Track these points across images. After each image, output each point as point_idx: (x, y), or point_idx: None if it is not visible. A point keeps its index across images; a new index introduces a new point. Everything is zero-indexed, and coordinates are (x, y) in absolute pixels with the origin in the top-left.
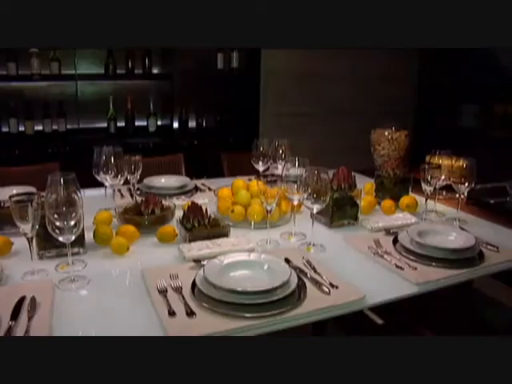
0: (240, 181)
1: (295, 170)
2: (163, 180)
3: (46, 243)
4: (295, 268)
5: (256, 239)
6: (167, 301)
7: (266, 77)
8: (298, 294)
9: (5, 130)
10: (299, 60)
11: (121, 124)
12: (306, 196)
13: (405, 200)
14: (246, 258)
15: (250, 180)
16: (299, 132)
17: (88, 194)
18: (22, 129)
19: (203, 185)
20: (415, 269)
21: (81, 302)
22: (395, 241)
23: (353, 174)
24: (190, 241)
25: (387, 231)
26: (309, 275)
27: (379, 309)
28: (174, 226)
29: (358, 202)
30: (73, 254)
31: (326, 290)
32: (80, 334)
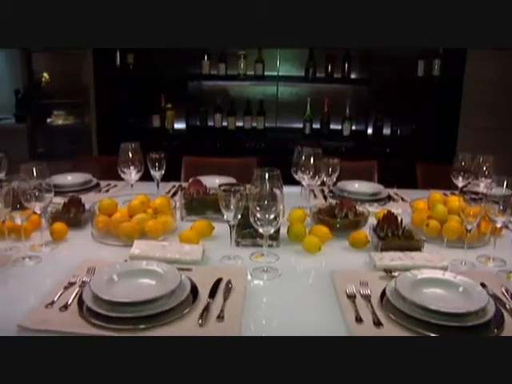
0: (437, 194)
1: (500, 190)
2: (357, 185)
3: (245, 232)
4: (491, 295)
5: (450, 258)
6: (355, 306)
7: (470, 86)
8: (493, 325)
9: (210, 124)
10: (509, 69)
11: (316, 126)
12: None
13: None
14: (440, 277)
15: (445, 195)
16: (502, 148)
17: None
18: (225, 124)
19: (396, 194)
20: None
21: (270, 292)
22: None
23: None
24: (382, 250)
25: None
26: (507, 306)
27: None
28: (365, 232)
29: None
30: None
31: None
32: (263, 323)
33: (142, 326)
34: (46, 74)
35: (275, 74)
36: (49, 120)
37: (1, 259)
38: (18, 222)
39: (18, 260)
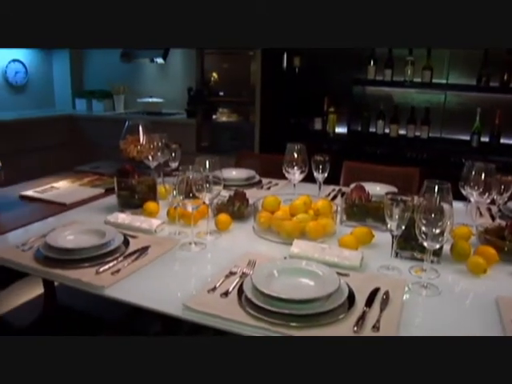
0: None
1: None
2: None
3: (406, 244)
4: None
5: None
6: None
7: None
8: None
9: (372, 130)
10: None
11: (484, 139)
12: None
13: None
14: None
15: None
16: None
17: None
18: (387, 131)
19: None
20: None
21: (427, 309)
22: None
23: None
24: None
25: None
26: None
27: None
28: None
29: None
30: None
31: None
32: None
33: (294, 324)
34: (215, 74)
35: (443, 81)
36: (214, 117)
37: (170, 242)
38: (189, 209)
39: (185, 245)
